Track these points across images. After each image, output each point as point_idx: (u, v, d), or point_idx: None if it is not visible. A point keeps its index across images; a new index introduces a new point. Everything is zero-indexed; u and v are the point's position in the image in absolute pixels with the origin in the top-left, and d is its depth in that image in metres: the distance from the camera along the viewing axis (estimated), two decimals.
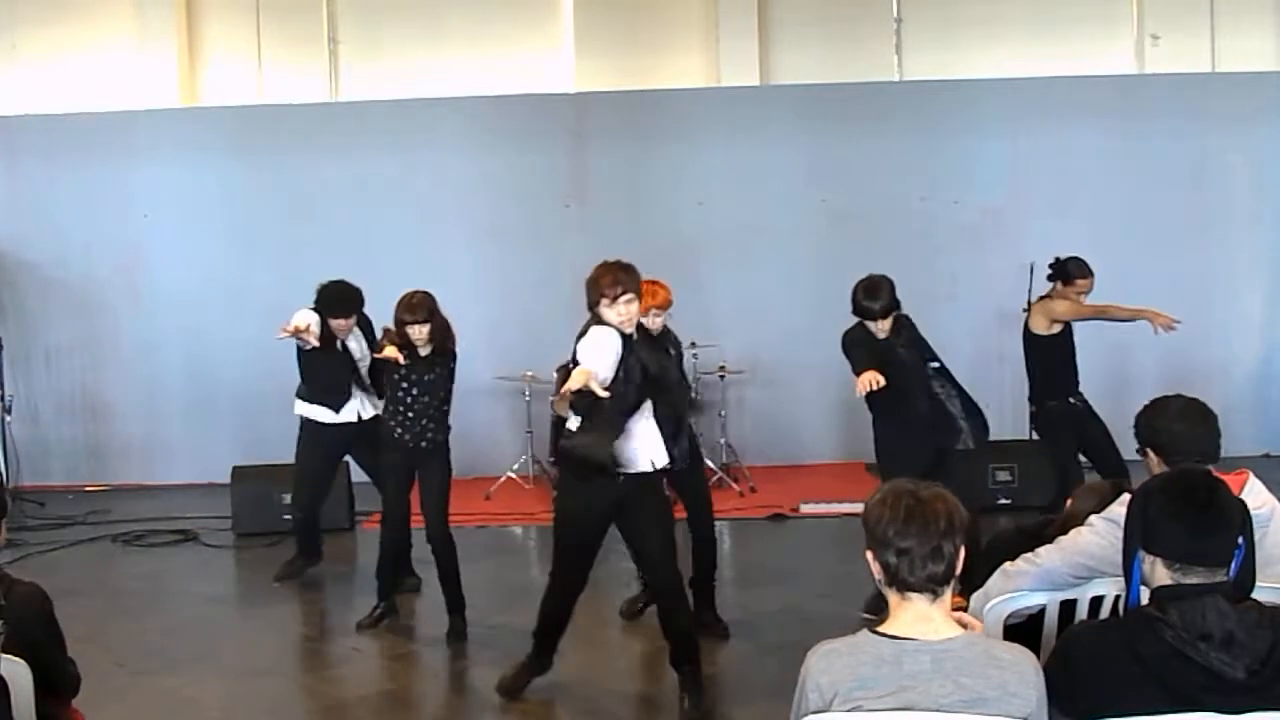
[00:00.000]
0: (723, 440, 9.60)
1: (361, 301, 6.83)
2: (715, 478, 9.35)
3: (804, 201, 10.02)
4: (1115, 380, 9.54)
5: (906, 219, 10.00)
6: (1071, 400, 6.95)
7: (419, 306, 5.89)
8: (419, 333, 5.90)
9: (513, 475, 9.38)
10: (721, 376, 9.46)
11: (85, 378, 10.26)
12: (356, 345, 6.90)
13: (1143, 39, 10.49)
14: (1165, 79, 10.12)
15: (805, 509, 8.51)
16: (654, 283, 5.51)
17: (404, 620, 6.33)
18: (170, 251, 10.10)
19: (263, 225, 10.07)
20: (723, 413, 9.62)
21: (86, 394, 10.28)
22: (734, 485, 9.21)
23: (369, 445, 6.67)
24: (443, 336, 6.00)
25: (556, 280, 9.94)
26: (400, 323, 5.91)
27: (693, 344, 9.29)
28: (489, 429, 9.97)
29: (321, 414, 6.86)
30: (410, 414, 5.99)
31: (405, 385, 5.98)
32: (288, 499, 8.09)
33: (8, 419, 9.45)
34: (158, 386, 10.16)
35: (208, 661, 5.84)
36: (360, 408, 6.87)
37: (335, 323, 6.71)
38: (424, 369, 5.98)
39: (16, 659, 2.97)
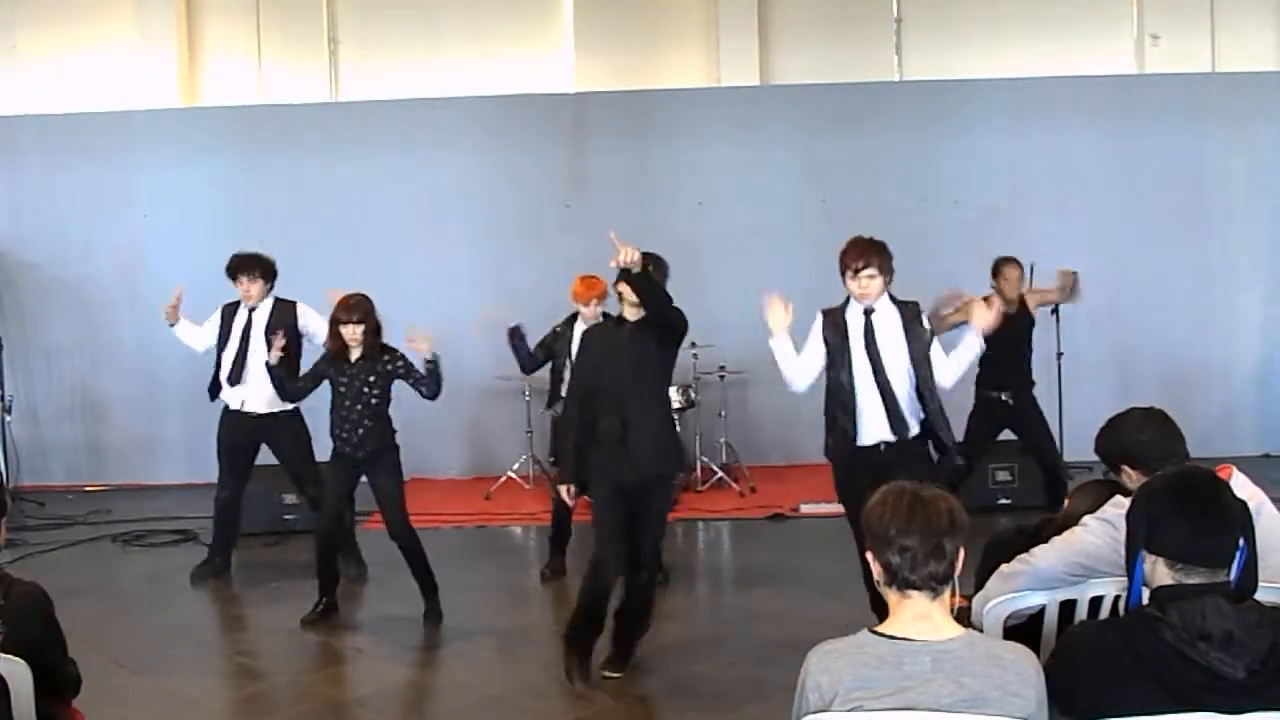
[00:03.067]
0: (723, 440, 9.60)
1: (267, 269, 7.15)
2: (715, 477, 9.37)
3: (804, 201, 10.01)
4: (1116, 381, 9.57)
5: (906, 219, 9.96)
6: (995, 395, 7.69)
7: (355, 307, 6.04)
8: (353, 333, 6.02)
9: (513, 475, 9.38)
10: (721, 376, 9.46)
11: (85, 378, 10.27)
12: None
13: (1143, 39, 10.49)
14: (1165, 79, 10.12)
15: (805, 509, 8.50)
16: (592, 277, 6.58)
17: (404, 620, 6.32)
18: (170, 251, 10.09)
19: (263, 225, 10.05)
20: (723, 413, 9.61)
21: (86, 394, 10.28)
22: (734, 485, 9.21)
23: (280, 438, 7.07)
24: (373, 341, 6.10)
25: (557, 280, 9.89)
26: (335, 320, 6.06)
27: (693, 344, 9.30)
28: (489, 429, 9.97)
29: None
30: (346, 422, 6.10)
31: (341, 391, 6.11)
32: (288, 499, 8.14)
33: (8, 419, 9.46)
34: (158, 386, 10.15)
35: (208, 661, 5.85)
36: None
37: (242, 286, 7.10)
38: (355, 374, 6.08)
39: (16, 659, 2.96)
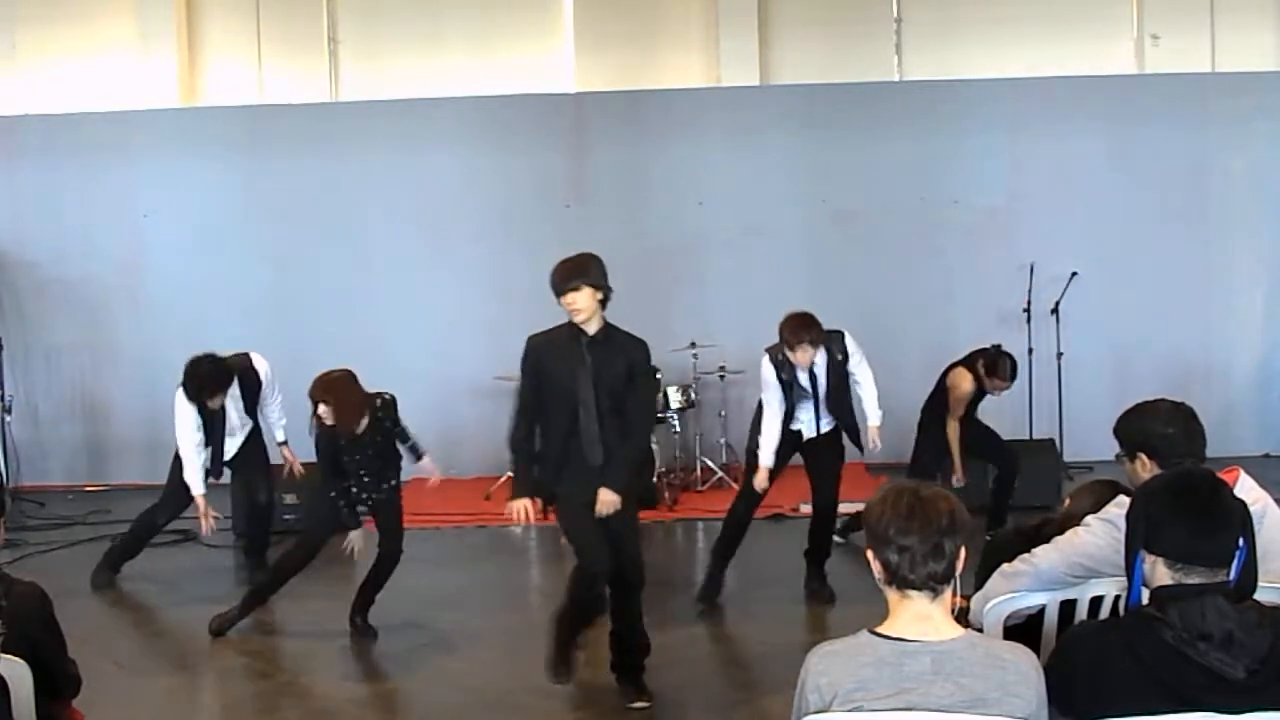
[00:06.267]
0: (723, 440, 9.60)
1: (228, 377, 6.82)
2: (715, 477, 9.37)
3: (804, 201, 10.02)
4: (1115, 380, 9.56)
5: (906, 219, 10.00)
6: None
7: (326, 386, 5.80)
8: (325, 411, 5.75)
9: (512, 475, 9.36)
10: (721, 376, 9.47)
11: (85, 378, 10.27)
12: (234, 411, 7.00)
13: (1143, 39, 10.49)
14: (1165, 79, 10.12)
15: (805, 509, 8.47)
16: None
17: (401, 621, 6.32)
18: (170, 251, 10.10)
19: (262, 225, 10.07)
20: (723, 413, 9.61)
21: (86, 394, 10.28)
22: (734, 485, 9.19)
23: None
24: (356, 415, 5.80)
25: None
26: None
27: (693, 344, 9.31)
28: (489, 429, 9.91)
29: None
30: (361, 483, 5.98)
31: (347, 460, 5.90)
32: (289, 499, 8.14)
33: (8, 419, 9.46)
34: (158, 386, 10.11)
35: (208, 661, 5.84)
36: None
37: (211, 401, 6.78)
38: (362, 444, 5.88)
39: (16, 659, 2.97)
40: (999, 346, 7.51)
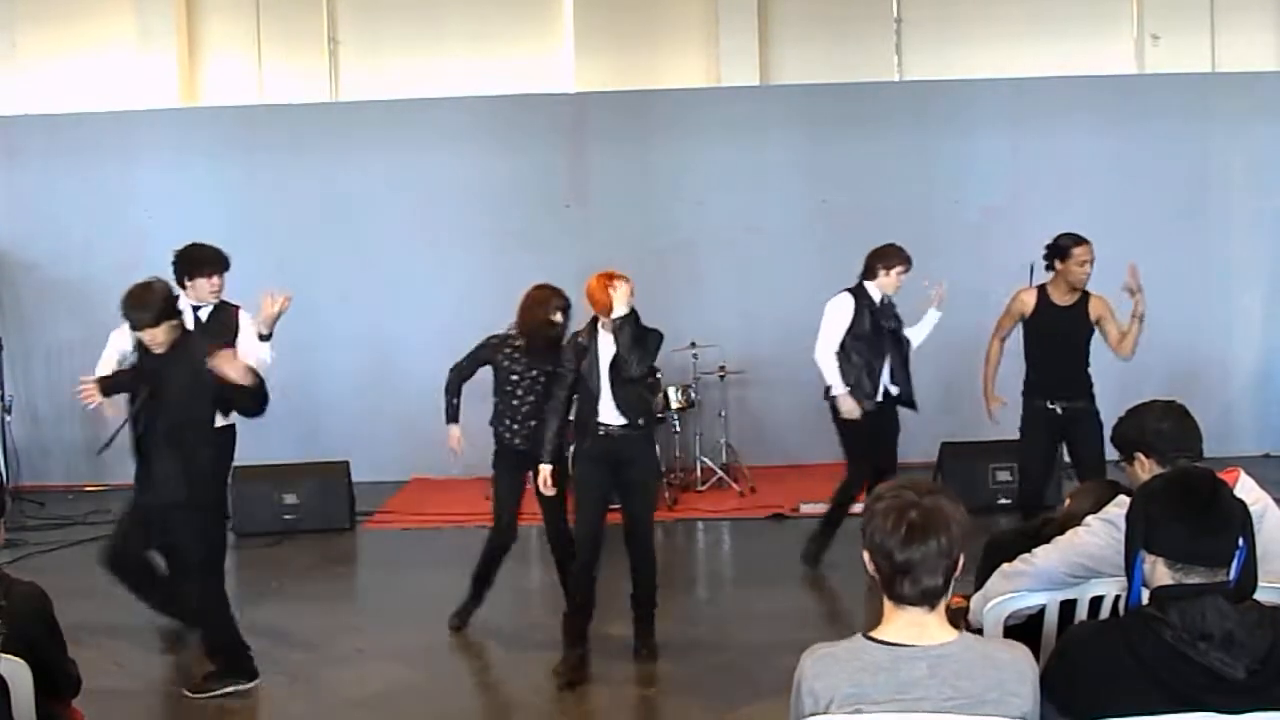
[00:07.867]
0: (723, 440, 9.60)
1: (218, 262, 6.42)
2: (715, 478, 9.37)
3: (804, 201, 10.02)
4: (1116, 380, 9.55)
5: (906, 219, 9.98)
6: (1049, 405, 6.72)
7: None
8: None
9: None
10: (721, 376, 9.46)
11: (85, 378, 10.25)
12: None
13: (1143, 39, 10.49)
14: (1165, 79, 10.12)
15: (805, 509, 8.50)
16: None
17: (404, 620, 6.32)
18: (170, 251, 10.08)
19: (262, 225, 10.07)
20: (723, 413, 9.61)
21: None
22: (734, 485, 9.21)
23: None
24: (527, 316, 6.15)
25: (556, 280, 9.81)
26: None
27: (693, 344, 9.31)
28: (489, 429, 9.96)
29: None
30: (518, 414, 6.25)
31: (515, 378, 6.25)
32: (288, 499, 8.15)
33: (8, 419, 9.46)
34: None
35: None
36: None
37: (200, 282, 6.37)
38: (533, 364, 6.10)
39: (16, 659, 2.97)
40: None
